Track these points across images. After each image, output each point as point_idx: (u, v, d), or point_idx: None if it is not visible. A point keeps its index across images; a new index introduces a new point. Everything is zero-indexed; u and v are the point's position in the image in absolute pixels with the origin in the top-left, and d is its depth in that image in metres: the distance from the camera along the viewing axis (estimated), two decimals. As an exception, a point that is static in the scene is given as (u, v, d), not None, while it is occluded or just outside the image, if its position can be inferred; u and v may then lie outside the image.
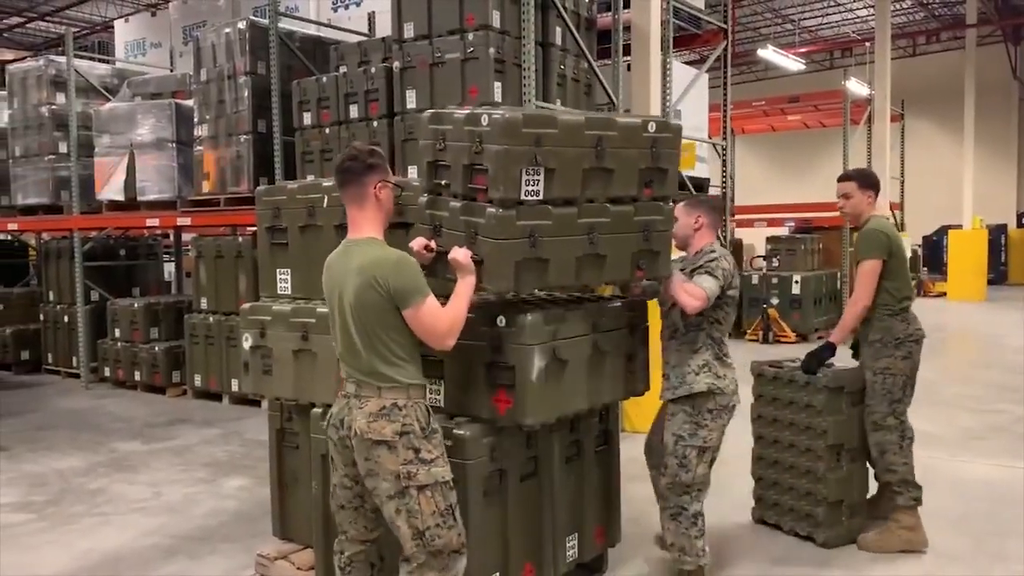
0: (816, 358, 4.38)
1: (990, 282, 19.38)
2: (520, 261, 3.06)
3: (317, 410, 3.64)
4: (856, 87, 12.79)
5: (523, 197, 3.04)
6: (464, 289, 3.02)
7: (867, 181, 4.50)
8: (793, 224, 14.76)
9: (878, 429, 4.26)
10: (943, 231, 20.30)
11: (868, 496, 4.48)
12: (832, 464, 4.28)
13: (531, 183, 3.05)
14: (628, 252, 3.39)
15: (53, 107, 9.53)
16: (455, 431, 3.21)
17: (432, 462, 2.83)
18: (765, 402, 4.61)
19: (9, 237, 12.54)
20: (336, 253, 3.02)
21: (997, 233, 21.24)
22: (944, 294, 18.54)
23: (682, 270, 3.73)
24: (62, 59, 9.50)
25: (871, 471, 4.42)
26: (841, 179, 4.57)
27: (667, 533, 3.77)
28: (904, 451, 4.26)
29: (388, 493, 2.81)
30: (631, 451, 4.53)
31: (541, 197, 3.09)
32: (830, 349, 4.39)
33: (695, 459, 3.63)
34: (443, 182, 3.26)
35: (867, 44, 18.07)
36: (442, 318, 2.89)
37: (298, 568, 3.87)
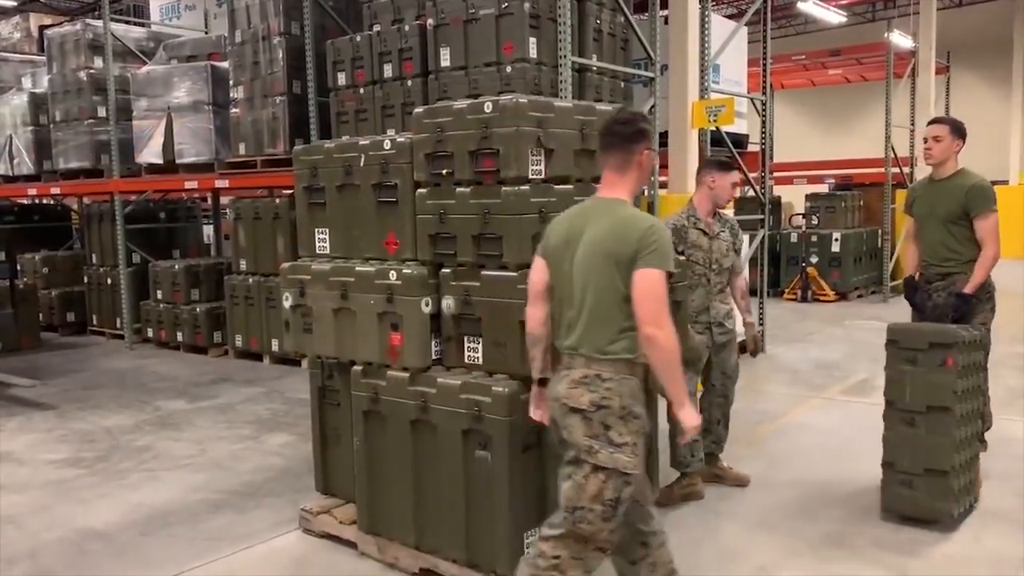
0: (964, 310, 4.34)
1: (1037, 239, 18.90)
2: (535, 235, 3.21)
3: (357, 367, 3.69)
4: (899, 39, 12.40)
5: (530, 176, 3.32)
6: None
7: (960, 129, 4.46)
8: (833, 181, 14.47)
9: None
10: (988, 187, 19.79)
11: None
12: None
13: (536, 163, 3.34)
14: None
15: (91, 71, 9.62)
16: (494, 388, 3.23)
17: (619, 448, 2.66)
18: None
19: (52, 201, 12.76)
20: (576, 211, 2.91)
21: (1044, 189, 20.67)
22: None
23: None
24: (99, 23, 9.55)
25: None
26: (934, 122, 4.55)
27: None
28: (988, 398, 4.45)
29: (568, 458, 2.73)
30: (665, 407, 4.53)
31: (544, 176, 3.38)
32: (966, 299, 4.35)
33: None
34: (444, 171, 3.44)
35: (911, -6, 17.54)
36: (663, 298, 2.66)
37: (340, 522, 3.95)
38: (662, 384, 2.71)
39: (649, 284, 2.64)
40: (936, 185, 4.53)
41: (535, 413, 3.01)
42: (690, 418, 2.76)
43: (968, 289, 4.34)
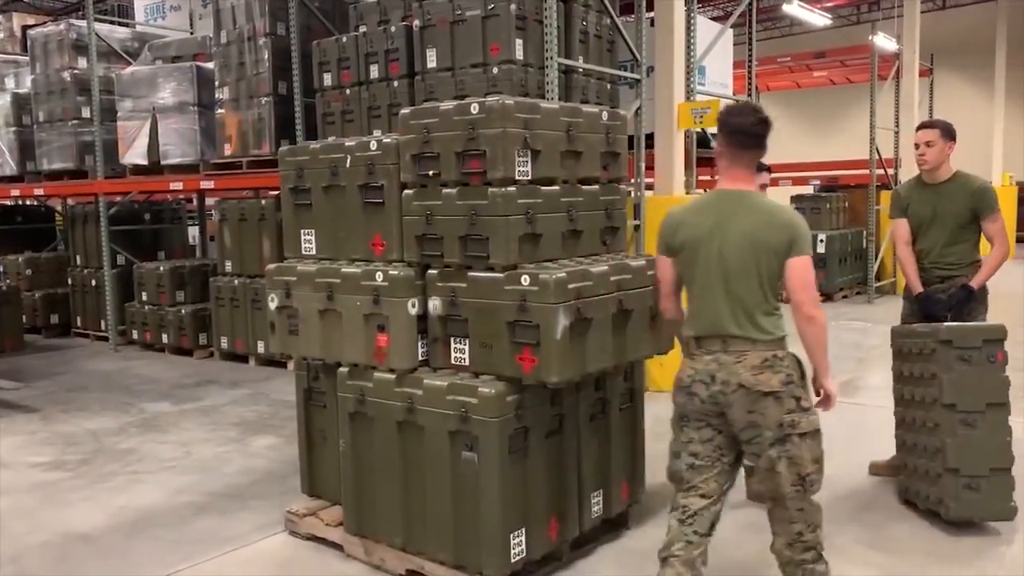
0: (968, 302, 4.33)
1: (1019, 239, 19.05)
2: (521, 236, 3.32)
3: (344, 369, 3.68)
4: (884, 42, 12.47)
5: (517, 177, 3.32)
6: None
7: (950, 132, 4.43)
8: (818, 182, 14.55)
9: None
10: (972, 188, 19.91)
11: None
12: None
13: (522, 164, 3.34)
14: (597, 228, 3.76)
15: (75, 71, 9.55)
16: (480, 389, 3.23)
17: (809, 410, 2.91)
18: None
19: (36, 203, 12.66)
20: (704, 205, 3.07)
21: (1027, 189, 20.85)
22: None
23: None
24: (83, 23, 9.49)
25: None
26: (924, 126, 4.51)
27: None
28: None
29: (769, 441, 2.87)
30: (656, 410, 4.54)
31: (530, 177, 3.38)
32: (971, 292, 4.33)
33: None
34: (430, 172, 3.44)
35: (895, -3, 17.67)
36: (814, 281, 2.95)
37: (326, 524, 3.94)
38: (815, 359, 2.99)
39: (805, 270, 2.89)
40: (935, 188, 4.46)
41: None
42: (834, 389, 3.05)
43: (975, 283, 4.32)
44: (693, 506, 3.00)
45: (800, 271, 2.88)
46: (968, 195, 4.37)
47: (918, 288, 4.48)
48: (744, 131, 3.00)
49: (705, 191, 10.31)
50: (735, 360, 2.88)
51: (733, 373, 2.88)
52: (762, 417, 2.86)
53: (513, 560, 3.29)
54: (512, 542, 3.28)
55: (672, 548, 2.98)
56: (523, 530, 3.34)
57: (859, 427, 4.81)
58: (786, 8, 15.60)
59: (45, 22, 13.14)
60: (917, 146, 4.46)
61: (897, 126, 12.70)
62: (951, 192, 4.41)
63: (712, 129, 7.25)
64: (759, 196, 3.03)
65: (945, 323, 4.11)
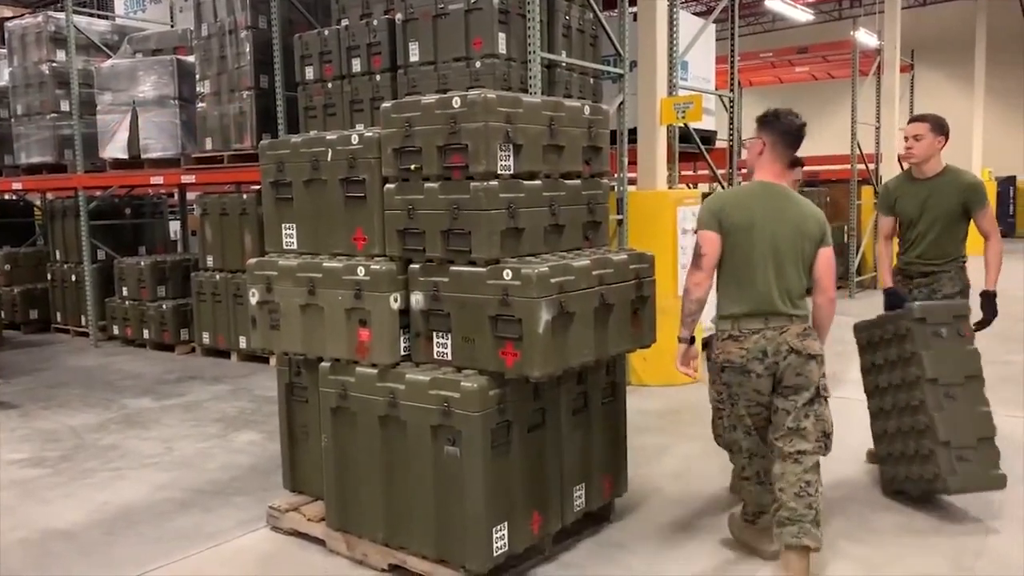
0: (992, 308, 4.37)
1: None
2: (503, 230, 3.31)
3: (326, 364, 3.67)
4: (865, 37, 12.53)
5: (499, 171, 3.30)
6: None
7: (941, 126, 4.42)
8: (800, 177, 14.61)
9: None
10: (951, 183, 20.11)
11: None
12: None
13: (504, 158, 3.34)
14: (579, 222, 3.76)
15: (54, 64, 9.46)
16: (463, 383, 3.23)
17: (827, 377, 3.41)
18: None
19: (14, 197, 12.53)
20: (752, 193, 3.46)
21: (1005, 185, 21.04)
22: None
23: None
24: (61, 15, 9.39)
25: None
26: (914, 120, 4.49)
27: None
28: None
29: (806, 400, 3.32)
30: (638, 403, 4.56)
31: (512, 172, 3.37)
32: (992, 299, 4.37)
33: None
34: (412, 166, 3.43)
35: (877, -7, 17.75)
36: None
37: (308, 519, 3.93)
38: (824, 333, 3.48)
39: (832, 258, 3.46)
40: (925, 184, 4.45)
41: (685, 368, 3.55)
42: None
43: (990, 285, 4.34)
44: (758, 466, 3.48)
45: (830, 259, 3.43)
46: (960, 190, 4.37)
47: (887, 283, 4.55)
48: (793, 131, 3.44)
49: (688, 186, 10.27)
50: (779, 333, 3.31)
51: (782, 342, 3.30)
52: (806, 379, 3.31)
53: (495, 554, 3.30)
54: (494, 536, 3.29)
55: (767, 500, 3.44)
56: (505, 524, 3.34)
57: (844, 421, 4.85)
58: (768, 3, 15.67)
59: (23, 14, 13.00)
60: (906, 139, 4.44)
61: (878, 121, 12.78)
62: (942, 187, 4.40)
63: (695, 124, 7.29)
64: (792, 191, 3.47)
65: (915, 303, 4.19)
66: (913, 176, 4.53)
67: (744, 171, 10.98)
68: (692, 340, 3.53)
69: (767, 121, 3.46)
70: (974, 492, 4.06)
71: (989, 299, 4.34)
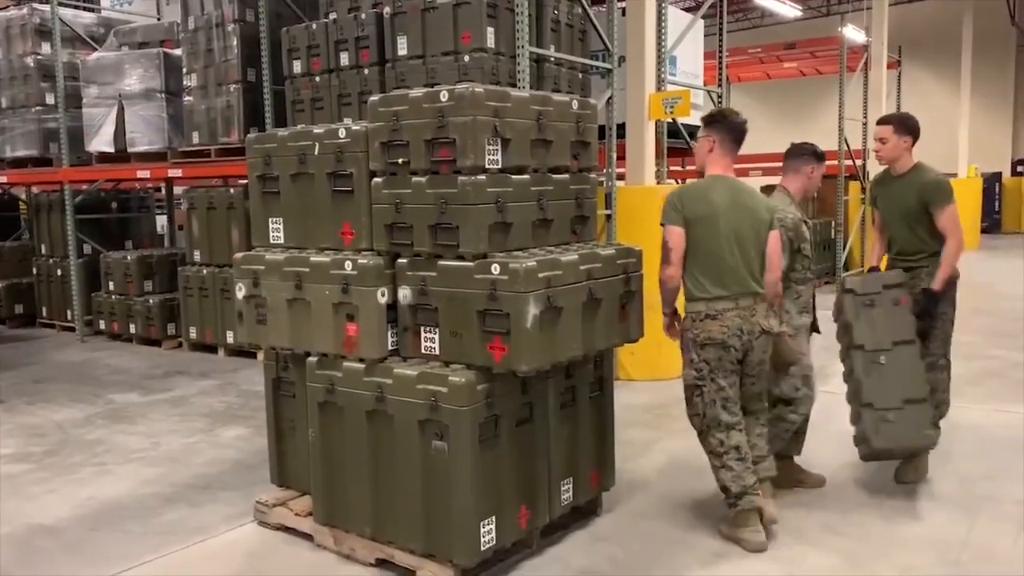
0: (931, 305, 4.37)
1: (984, 231, 19.39)
2: (491, 225, 3.31)
3: (313, 358, 3.66)
4: (853, 33, 12.59)
5: (487, 165, 3.30)
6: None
7: (904, 126, 4.44)
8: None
9: (932, 370, 4.36)
10: (938, 179, 20.21)
11: None
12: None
13: (492, 152, 3.33)
14: (567, 217, 3.76)
15: (39, 57, 9.38)
16: (450, 378, 3.23)
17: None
18: None
19: (-1, 191, 12.44)
20: (709, 185, 3.74)
21: (991, 181, 21.20)
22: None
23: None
24: (46, 7, 9.30)
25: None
26: (879, 123, 4.54)
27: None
28: (949, 386, 4.56)
29: (764, 370, 3.80)
30: (626, 397, 4.58)
31: (500, 166, 3.37)
32: (934, 296, 4.35)
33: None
34: (399, 160, 3.42)
35: (865, -11, 17.81)
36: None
37: (296, 514, 3.92)
38: (776, 307, 3.84)
39: (779, 241, 3.81)
40: (897, 181, 4.51)
41: (672, 333, 3.92)
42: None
43: (936, 285, 4.33)
44: (736, 440, 3.69)
45: (777, 240, 3.79)
46: (919, 189, 4.40)
47: (872, 264, 4.73)
48: (738, 129, 3.78)
49: (678, 181, 10.29)
50: (751, 313, 3.65)
51: (755, 324, 3.66)
52: (767, 355, 3.76)
53: (483, 548, 3.30)
54: (482, 530, 3.29)
55: (751, 481, 3.66)
56: (493, 518, 3.34)
57: (828, 415, 4.88)
58: (757, -1, 15.71)
59: (7, 6, 12.86)
60: (876, 140, 4.53)
61: (865, 117, 12.83)
62: (906, 186, 4.47)
63: (684, 119, 7.29)
64: (742, 182, 3.78)
65: (844, 274, 4.29)
66: (890, 173, 4.60)
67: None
68: (675, 312, 3.88)
69: (715, 121, 3.82)
70: (901, 451, 4.24)
71: (928, 297, 4.35)
